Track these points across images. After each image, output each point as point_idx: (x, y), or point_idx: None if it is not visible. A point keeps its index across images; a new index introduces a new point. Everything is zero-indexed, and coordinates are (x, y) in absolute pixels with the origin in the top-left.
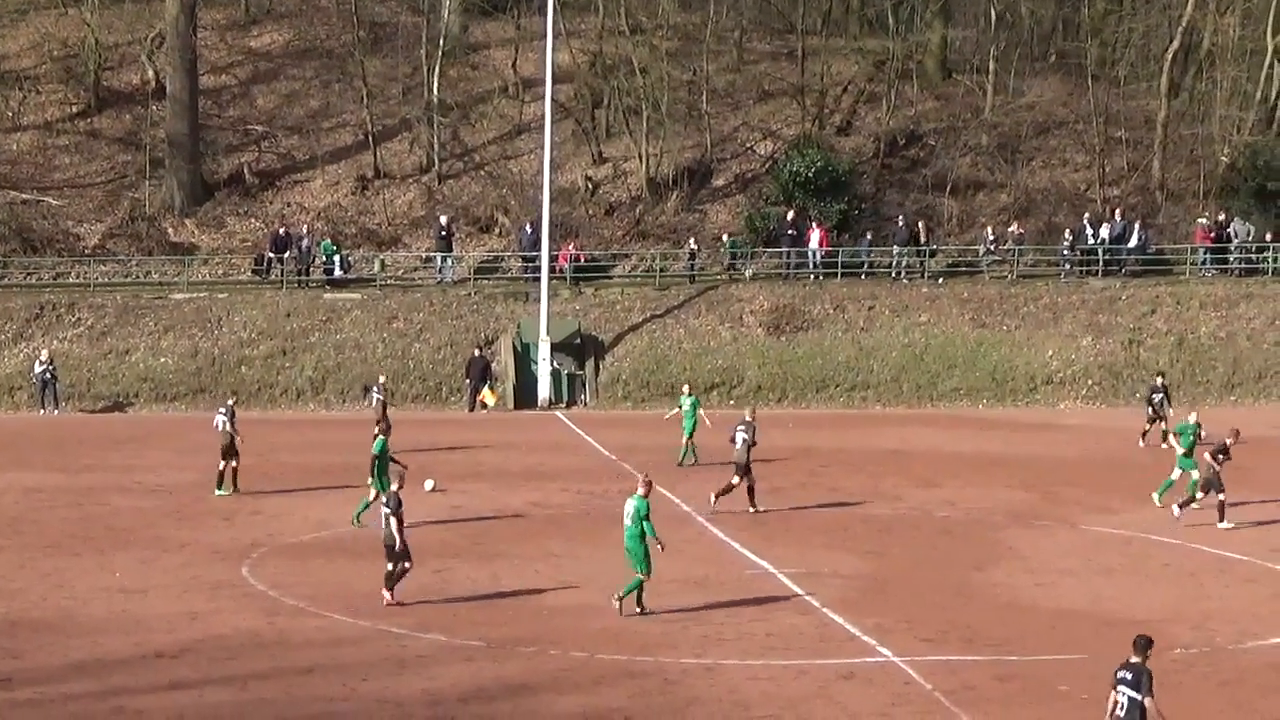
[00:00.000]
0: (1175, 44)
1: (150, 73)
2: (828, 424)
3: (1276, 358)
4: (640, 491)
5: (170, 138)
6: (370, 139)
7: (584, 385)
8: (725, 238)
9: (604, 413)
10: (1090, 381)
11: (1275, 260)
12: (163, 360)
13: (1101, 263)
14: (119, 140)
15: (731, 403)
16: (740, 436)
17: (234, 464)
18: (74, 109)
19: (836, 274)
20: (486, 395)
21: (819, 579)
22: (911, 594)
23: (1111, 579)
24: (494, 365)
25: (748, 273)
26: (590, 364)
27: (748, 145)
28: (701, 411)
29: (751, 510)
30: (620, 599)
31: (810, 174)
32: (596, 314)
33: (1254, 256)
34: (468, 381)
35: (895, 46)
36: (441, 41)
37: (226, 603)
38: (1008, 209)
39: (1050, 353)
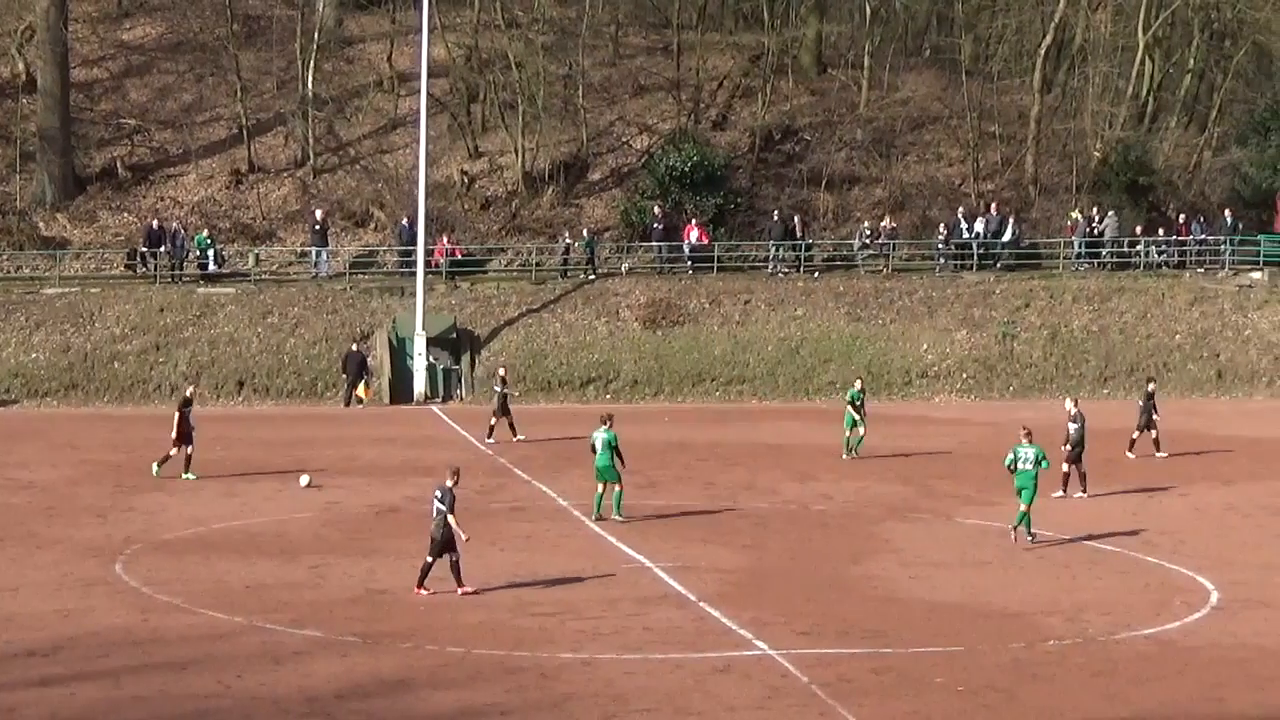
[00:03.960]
0: (1048, 40)
1: (20, 66)
2: (704, 418)
3: (1148, 351)
4: (608, 425)
5: (41, 131)
6: (244, 133)
7: (460, 380)
8: (585, 233)
9: (480, 407)
10: (965, 375)
11: (1147, 254)
12: (34, 356)
13: (976, 257)
14: None
15: (608, 397)
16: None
17: (188, 450)
18: None
19: (712, 268)
20: (361, 390)
21: (696, 573)
22: (788, 587)
23: (986, 571)
24: (370, 360)
25: (623, 267)
26: (466, 359)
27: (623, 140)
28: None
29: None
30: (599, 517)
31: (686, 168)
32: (472, 309)
33: (1126, 251)
34: (344, 376)
35: (770, 41)
36: (316, 35)
37: (100, 600)
38: (883, 203)
39: (925, 346)
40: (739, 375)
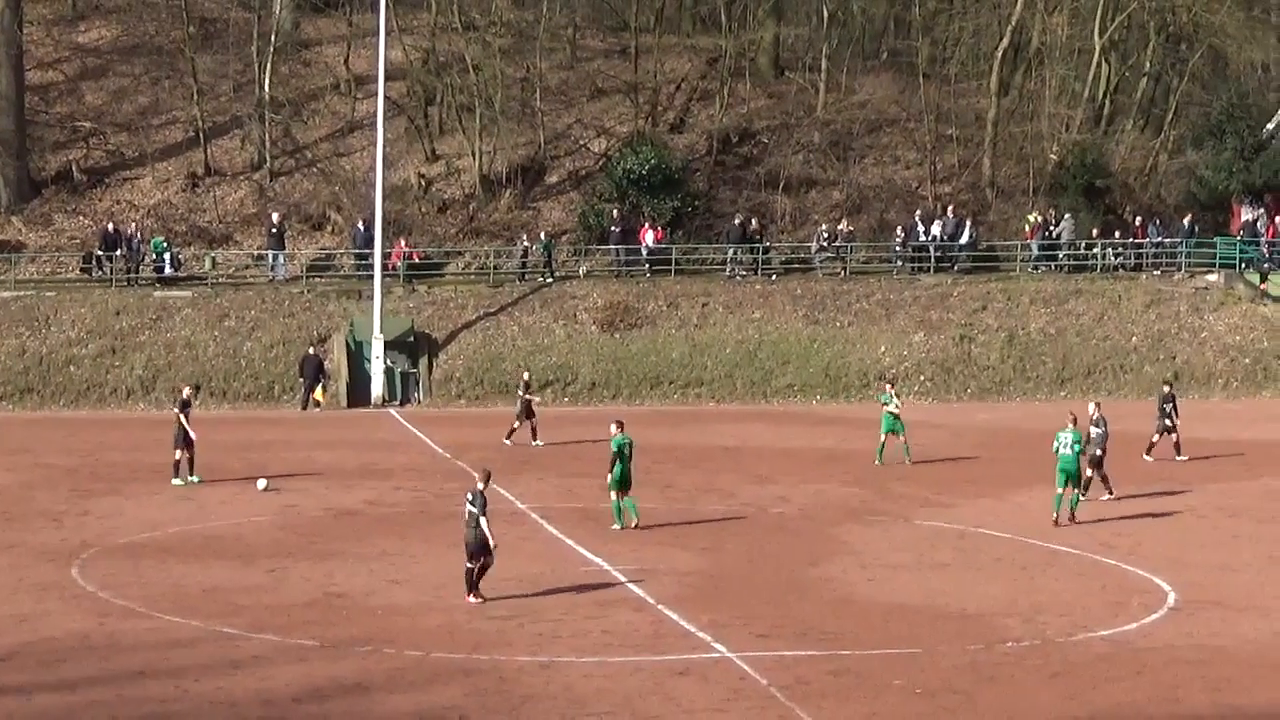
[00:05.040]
0: (1005, 43)
1: None
2: (662, 421)
3: (1105, 353)
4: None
5: None
6: (201, 136)
7: (417, 383)
8: (542, 235)
9: (438, 410)
10: (922, 377)
11: (1103, 257)
12: None
13: (933, 259)
14: None
15: (566, 400)
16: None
17: (189, 454)
18: None
19: (670, 271)
20: (318, 393)
21: (654, 576)
22: (746, 590)
23: (944, 573)
24: (327, 363)
25: (581, 270)
26: (424, 362)
27: (581, 142)
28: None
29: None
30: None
31: (644, 171)
32: (430, 311)
33: (1083, 253)
34: (301, 380)
35: (728, 44)
36: (273, 38)
37: (55, 605)
38: (840, 206)
39: (883, 349)
40: (697, 378)
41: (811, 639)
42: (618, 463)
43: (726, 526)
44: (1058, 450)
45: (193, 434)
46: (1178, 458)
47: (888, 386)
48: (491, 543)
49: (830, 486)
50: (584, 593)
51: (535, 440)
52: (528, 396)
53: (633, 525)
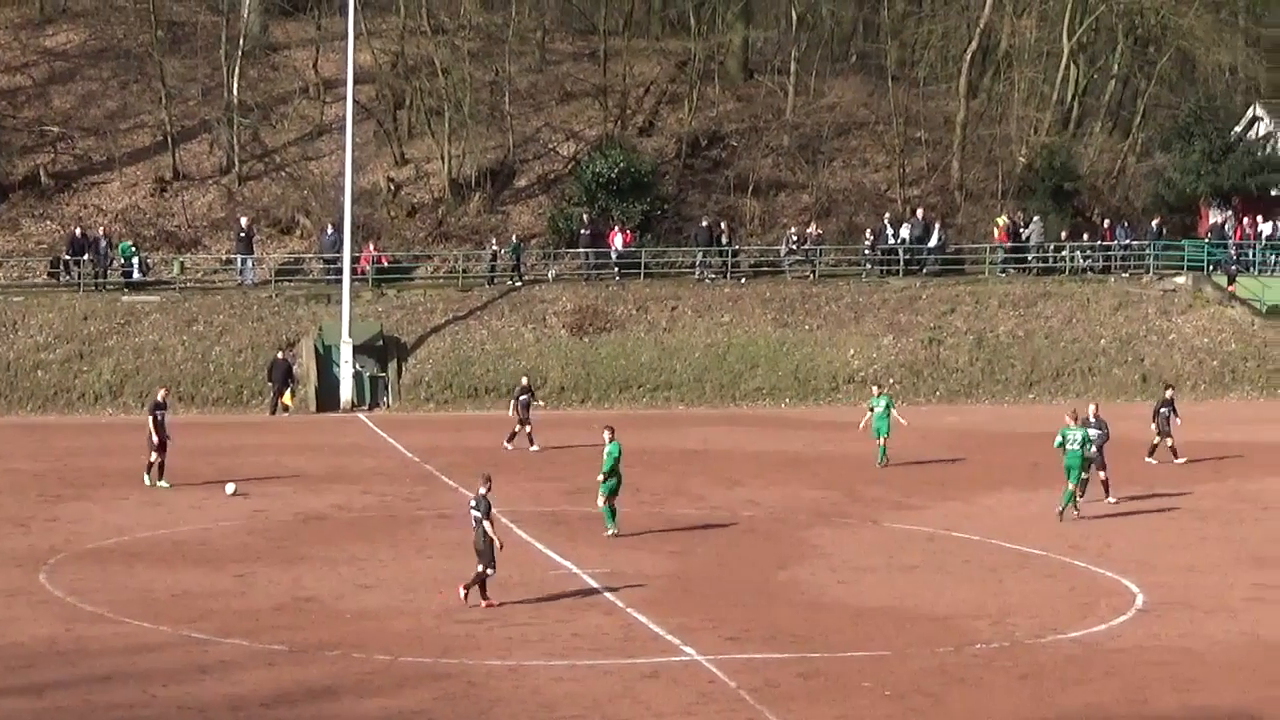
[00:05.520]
0: (973, 46)
1: None
2: (631, 424)
3: (1074, 356)
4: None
5: None
6: (169, 140)
7: (386, 387)
8: (513, 239)
9: (406, 415)
10: (891, 380)
11: (1072, 259)
12: None
13: (902, 262)
14: None
15: (537, 403)
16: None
17: (160, 457)
18: None
19: (639, 275)
20: (287, 398)
21: (623, 579)
22: (715, 593)
23: (913, 576)
24: (296, 368)
25: (550, 274)
26: (393, 366)
27: (550, 146)
28: (895, 412)
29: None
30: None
31: (613, 175)
32: (399, 316)
33: (1051, 256)
34: (270, 384)
35: (697, 47)
36: (241, 41)
37: (23, 610)
38: (809, 209)
39: (852, 352)
40: (666, 381)
41: (781, 642)
42: (613, 469)
43: (696, 529)
44: (1063, 446)
45: (156, 437)
46: (1175, 460)
47: (875, 390)
48: (498, 544)
49: (799, 489)
50: (553, 596)
51: (533, 445)
52: (528, 399)
53: (608, 532)
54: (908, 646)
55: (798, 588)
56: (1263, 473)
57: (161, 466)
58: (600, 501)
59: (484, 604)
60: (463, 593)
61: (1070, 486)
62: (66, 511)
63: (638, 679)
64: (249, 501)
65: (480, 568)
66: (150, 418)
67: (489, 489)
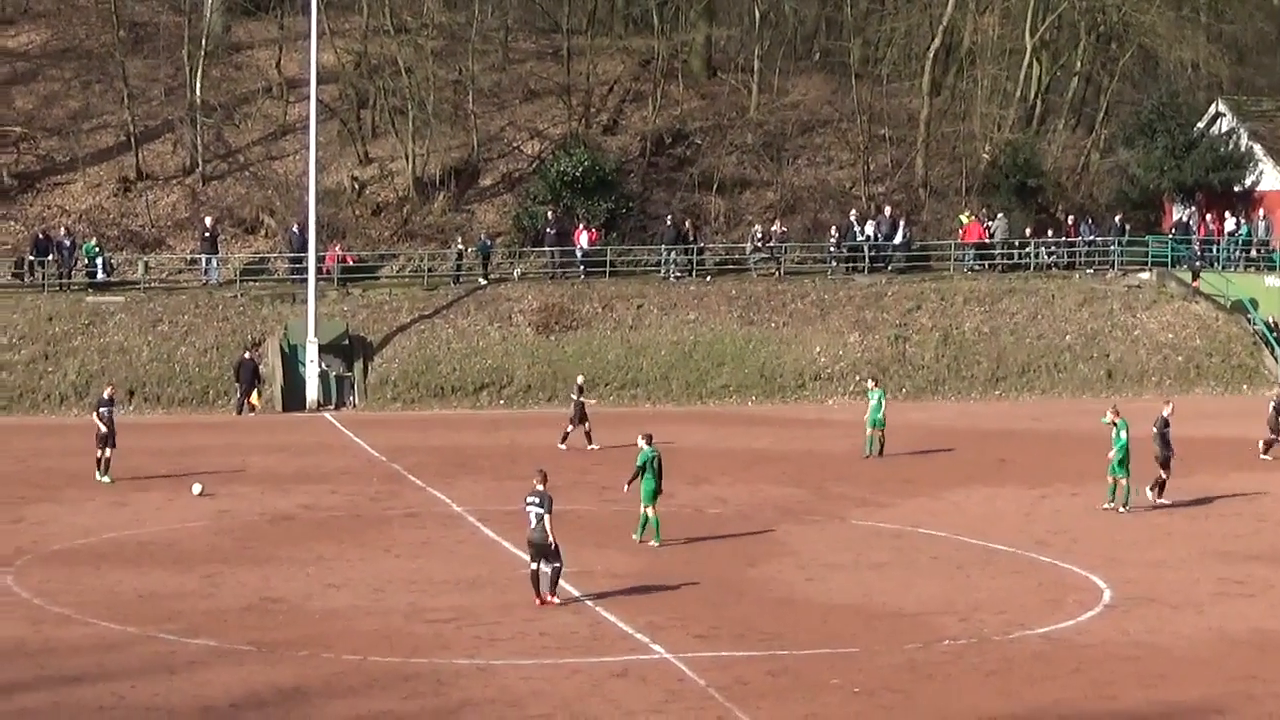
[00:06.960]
0: (936, 43)
1: None
2: (597, 423)
3: (1039, 352)
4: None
5: None
6: (132, 140)
7: (352, 386)
8: (483, 236)
9: (373, 414)
10: (858, 377)
11: (1036, 256)
12: None
13: (867, 259)
14: None
15: (502, 402)
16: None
17: (108, 452)
18: None
19: (605, 273)
20: (253, 398)
21: (591, 578)
22: (684, 591)
23: (881, 573)
24: (262, 367)
25: (516, 273)
26: (359, 365)
27: (515, 145)
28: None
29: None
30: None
31: (577, 173)
32: (364, 315)
33: (1016, 252)
34: (236, 384)
35: (660, 45)
36: (204, 41)
37: None
38: (774, 207)
39: (818, 349)
40: (632, 379)
41: (750, 639)
42: (648, 475)
43: (664, 527)
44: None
45: (103, 428)
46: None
47: (870, 384)
48: (551, 541)
49: (767, 487)
50: (521, 595)
51: (590, 444)
52: (581, 399)
53: (649, 543)
54: (876, 643)
55: (766, 585)
56: (1228, 468)
57: (108, 462)
58: (644, 509)
59: (538, 600)
60: (538, 601)
61: (1123, 481)
62: (32, 513)
63: (607, 677)
64: (216, 502)
65: (533, 566)
66: (95, 414)
67: (545, 484)
